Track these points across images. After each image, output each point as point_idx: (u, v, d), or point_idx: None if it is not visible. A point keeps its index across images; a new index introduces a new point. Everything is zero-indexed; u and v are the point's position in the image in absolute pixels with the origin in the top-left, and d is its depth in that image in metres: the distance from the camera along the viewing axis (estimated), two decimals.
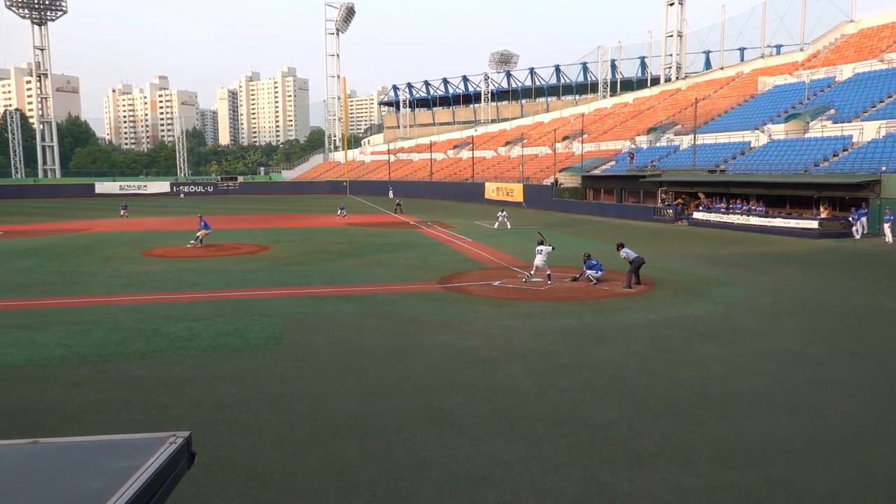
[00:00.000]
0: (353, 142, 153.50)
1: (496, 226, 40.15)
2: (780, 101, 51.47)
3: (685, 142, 54.21)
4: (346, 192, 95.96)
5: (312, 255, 27.96)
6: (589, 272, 20.45)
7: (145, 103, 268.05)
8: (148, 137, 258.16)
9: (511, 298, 18.27)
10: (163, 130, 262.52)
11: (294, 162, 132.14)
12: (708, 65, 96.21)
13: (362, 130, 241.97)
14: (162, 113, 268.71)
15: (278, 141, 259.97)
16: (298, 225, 44.00)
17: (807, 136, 42.98)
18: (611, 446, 8.65)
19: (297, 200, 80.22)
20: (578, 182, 59.90)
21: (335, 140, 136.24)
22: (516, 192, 62.96)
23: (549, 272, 20.39)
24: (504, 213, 40.63)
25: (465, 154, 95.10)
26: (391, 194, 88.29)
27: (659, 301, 17.79)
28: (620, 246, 20.56)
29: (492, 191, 67.29)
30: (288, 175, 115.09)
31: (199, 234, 31.26)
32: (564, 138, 76.27)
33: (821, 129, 42.50)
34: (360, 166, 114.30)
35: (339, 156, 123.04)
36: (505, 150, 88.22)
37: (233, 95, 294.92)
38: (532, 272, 20.81)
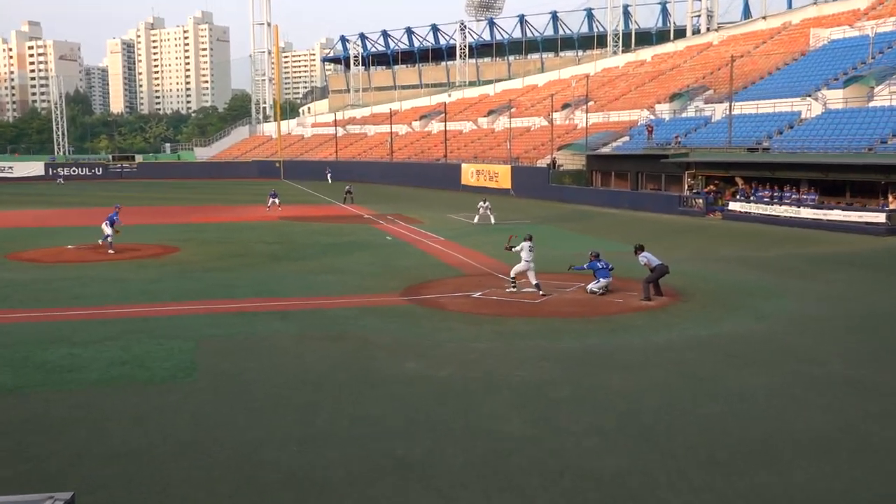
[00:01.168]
0: (289, 110, 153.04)
1: (476, 220, 40.42)
2: (837, 60, 52.46)
3: (718, 111, 55.16)
4: (279, 175, 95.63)
5: (236, 258, 27.92)
6: (591, 284, 20.64)
7: (10, 58, 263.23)
8: (14, 104, 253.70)
9: (494, 314, 18.40)
10: (34, 94, 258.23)
11: (211, 136, 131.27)
12: (746, 13, 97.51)
13: (301, 96, 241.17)
14: (33, 71, 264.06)
15: (189, 109, 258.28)
16: (217, 219, 43.84)
17: (871, 104, 43.84)
18: None
19: (214, 187, 79.82)
20: (582, 163, 60.57)
21: (265, 108, 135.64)
22: (502, 177, 63.47)
23: (536, 281, 20.47)
24: (486, 203, 40.98)
25: (436, 126, 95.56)
26: (330, 178, 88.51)
27: (685, 316, 18.07)
28: (639, 249, 20.80)
29: (470, 175, 67.74)
30: (203, 154, 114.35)
31: (108, 232, 29.72)
32: (564, 107, 77.03)
33: (889, 96, 43.38)
34: (299, 142, 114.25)
35: (270, 128, 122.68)
36: (487, 122, 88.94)
37: (128, 48, 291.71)
38: (512, 276, 21.11)
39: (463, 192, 65.47)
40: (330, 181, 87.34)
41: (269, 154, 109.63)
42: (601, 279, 20.91)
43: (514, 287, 20.97)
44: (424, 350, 15.08)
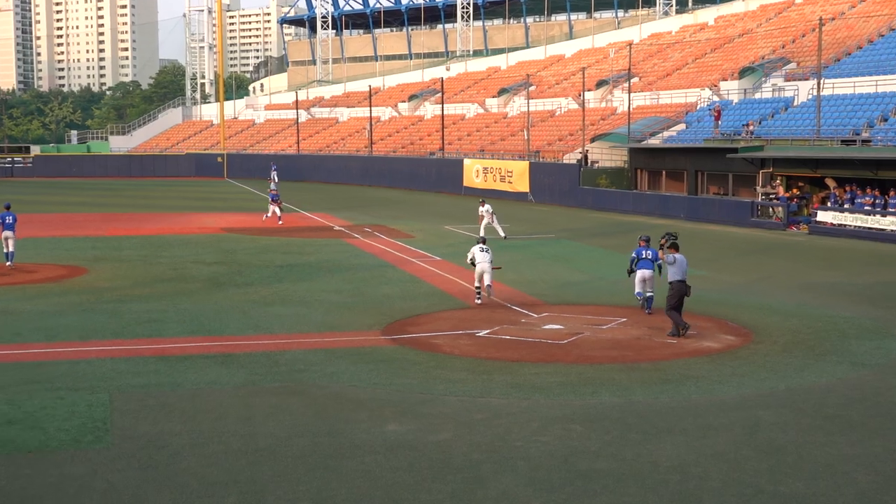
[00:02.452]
0: (236, 87, 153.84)
1: (482, 233, 40.48)
2: None
3: (803, 91, 55.47)
4: (221, 173, 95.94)
5: (163, 284, 28.02)
6: (643, 293, 21.68)
7: None
8: None
9: (508, 359, 18.39)
10: None
11: (131, 122, 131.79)
12: None
13: (252, 68, 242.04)
14: None
15: (103, 85, 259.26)
16: (139, 231, 44.04)
17: None
18: None
19: (136, 188, 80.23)
20: (623, 159, 60.90)
21: (203, 84, 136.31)
22: (517, 177, 63.84)
23: (489, 283, 24.47)
24: (488, 207, 40.97)
25: (431, 110, 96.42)
26: (276, 177, 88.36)
27: (760, 363, 18.06)
28: (673, 245, 20.91)
29: (475, 173, 68.12)
30: (121, 144, 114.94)
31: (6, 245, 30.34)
32: (600, 84, 77.52)
33: None
34: (249, 130, 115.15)
35: (210, 111, 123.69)
36: (498, 104, 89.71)
37: (23, 5, 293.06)
38: (477, 286, 24.73)
39: (466, 197, 65.68)
40: (276, 181, 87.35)
41: (209, 145, 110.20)
42: (639, 271, 21.90)
43: (478, 298, 24.61)
44: (413, 407, 15.03)
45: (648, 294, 22.92)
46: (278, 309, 23.72)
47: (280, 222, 46.29)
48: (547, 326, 21.32)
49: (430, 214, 52.44)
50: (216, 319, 22.34)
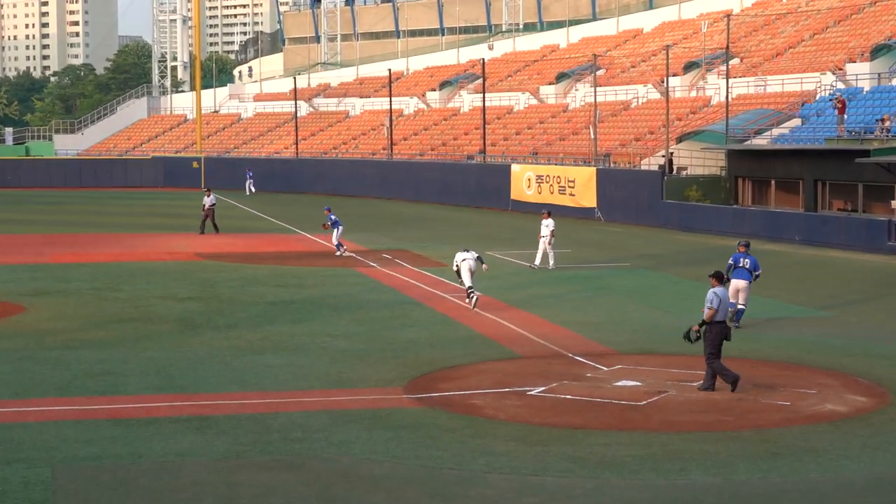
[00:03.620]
0: (218, 72, 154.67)
1: (537, 262, 40.31)
2: None
3: None
4: (199, 182, 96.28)
5: (122, 325, 28.13)
6: (734, 305, 21.55)
7: None
8: None
9: (568, 425, 18.30)
10: None
11: (82, 117, 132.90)
12: None
13: (237, 48, 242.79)
14: None
15: (46, 70, 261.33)
16: (92, 257, 44.21)
17: None
18: None
19: (89, 202, 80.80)
20: (719, 165, 60.68)
21: (175, 69, 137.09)
22: (582, 187, 63.70)
23: (469, 284, 30.71)
24: (551, 224, 40.64)
25: (469, 101, 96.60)
26: (252, 187, 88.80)
27: None
28: (714, 276, 21.36)
29: (526, 183, 68.03)
30: (69, 145, 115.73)
31: None
32: (689, 67, 77.31)
33: None
34: (234, 126, 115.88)
35: (183, 103, 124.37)
36: (556, 94, 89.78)
37: None
38: (467, 286, 30.60)
39: (514, 214, 65.57)
40: (252, 191, 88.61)
41: (182, 146, 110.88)
42: (733, 280, 22.43)
43: (469, 299, 30.54)
44: (444, 488, 14.99)
45: (740, 306, 23.36)
46: (270, 358, 23.72)
47: (340, 253, 44.21)
48: (620, 383, 21.16)
49: (467, 237, 52.37)
50: (190, 372, 22.37)
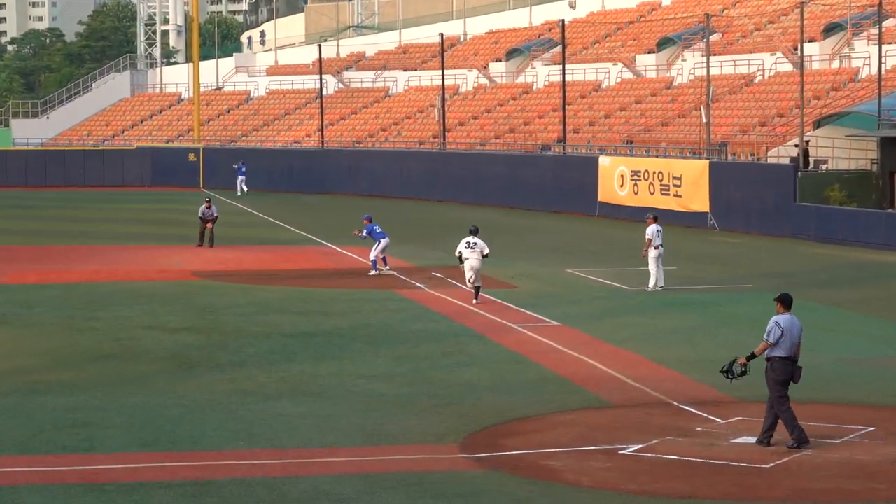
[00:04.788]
0: (222, 39, 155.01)
1: (657, 282, 40.00)
2: None
3: None
4: (196, 181, 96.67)
5: (99, 364, 28.22)
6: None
7: None
8: None
9: (672, 495, 18.24)
10: None
11: (48, 96, 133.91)
12: None
13: (246, 7, 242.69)
14: None
15: (2, 38, 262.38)
16: (59, 276, 44.58)
17: None
18: None
19: (56, 205, 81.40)
20: (869, 157, 60.17)
21: (166, 35, 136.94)
22: (690, 185, 63.40)
23: (477, 284, 36.96)
24: (658, 228, 40.39)
25: (543, 74, 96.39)
26: (244, 185, 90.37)
27: None
28: (780, 301, 21.27)
29: (618, 180, 67.69)
30: (31, 131, 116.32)
31: None
32: (830, 30, 76.56)
33: None
34: (242, 108, 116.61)
35: (177, 78, 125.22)
36: (657, 66, 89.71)
37: None
38: (475, 287, 37.06)
39: (602, 221, 65.38)
40: (244, 190, 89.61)
41: (175, 133, 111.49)
42: None
43: (476, 298, 36.98)
44: None
45: None
46: (287, 406, 23.74)
47: (376, 272, 44.32)
48: (740, 439, 21.01)
49: (542, 249, 52.29)
50: (184, 424, 22.38)
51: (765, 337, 20.58)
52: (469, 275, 36.89)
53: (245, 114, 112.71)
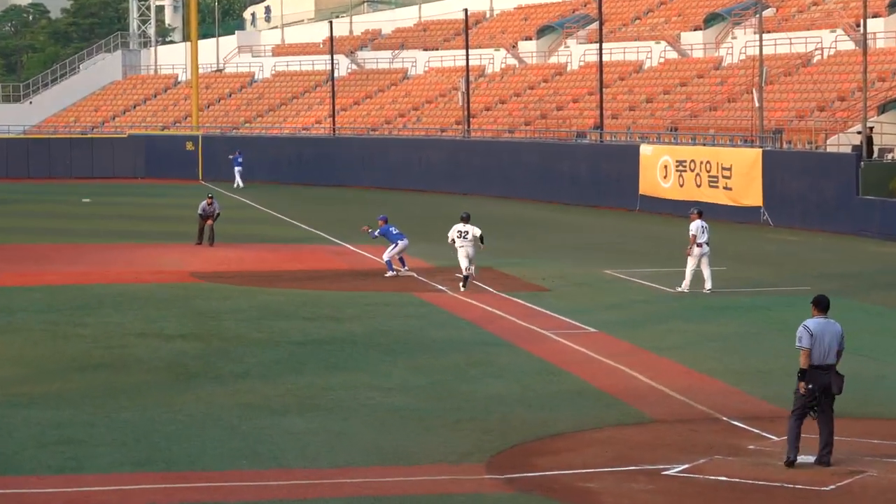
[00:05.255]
0: (223, 15, 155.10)
1: (685, 285, 40.04)
2: None
3: None
4: (195, 173, 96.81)
5: (87, 374, 28.26)
6: None
7: None
8: None
9: None
10: None
11: (30, 78, 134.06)
12: None
13: None
14: None
15: None
16: (41, 278, 44.66)
17: None
18: None
19: (39, 200, 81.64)
20: None
21: (162, 10, 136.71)
22: (741, 177, 63.24)
23: (467, 272, 40.14)
24: (703, 224, 40.36)
25: (578, 54, 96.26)
26: (239, 177, 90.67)
27: None
28: (816, 304, 21.21)
29: (661, 171, 67.59)
30: (12, 118, 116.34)
31: None
32: None
33: None
34: (245, 92, 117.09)
35: (173, 58, 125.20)
36: (705, 43, 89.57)
37: None
38: (464, 274, 40.16)
39: (643, 216, 65.32)
40: (240, 185, 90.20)
41: (171, 119, 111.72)
42: None
43: (463, 284, 40.31)
44: None
45: None
46: (294, 422, 23.72)
47: (393, 273, 44.45)
48: (799, 458, 21.01)
49: (576, 248, 52.27)
50: (181, 441, 22.37)
51: (797, 344, 20.66)
52: (464, 263, 40.39)
53: (248, 98, 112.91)
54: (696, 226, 39.70)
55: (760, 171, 61.62)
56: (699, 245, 39.52)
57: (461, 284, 40.31)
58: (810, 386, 20.25)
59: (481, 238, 40.77)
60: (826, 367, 20.47)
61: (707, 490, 19.52)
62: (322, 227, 60.65)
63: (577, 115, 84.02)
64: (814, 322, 20.69)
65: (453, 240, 40.79)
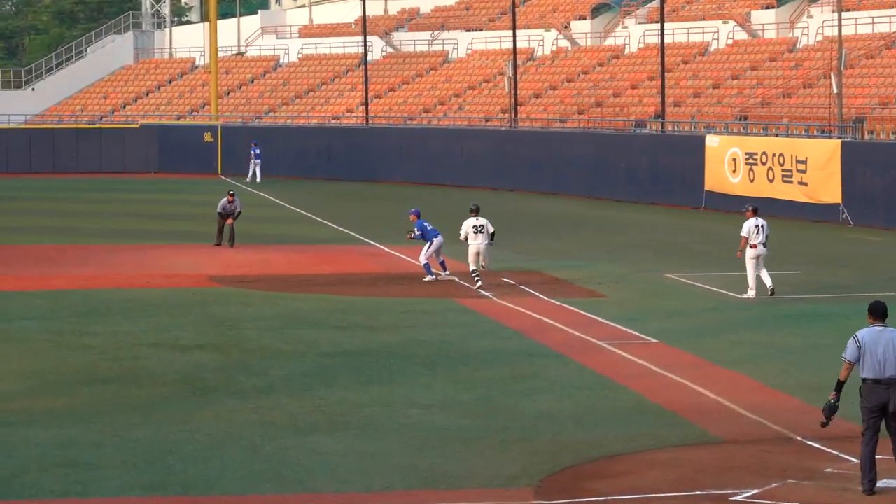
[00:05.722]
0: None
1: (750, 292, 39.98)
2: None
3: None
4: (214, 167, 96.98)
5: (94, 388, 28.27)
6: None
7: None
8: None
9: None
10: None
11: (32, 63, 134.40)
12: None
13: None
14: None
15: None
16: (43, 283, 44.71)
17: None
18: None
19: (41, 196, 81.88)
20: None
21: None
22: (817, 171, 62.95)
23: (476, 267, 41.71)
24: (761, 223, 40.31)
25: (637, 35, 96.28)
26: (257, 170, 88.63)
27: None
28: (875, 312, 20.68)
29: (730, 164, 67.36)
30: (13, 106, 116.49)
31: None
32: None
33: None
34: (269, 77, 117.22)
35: (190, 40, 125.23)
36: (778, 23, 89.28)
37: None
38: (472, 270, 41.81)
39: (707, 214, 65.23)
40: (257, 175, 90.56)
41: (187, 108, 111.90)
42: None
43: (478, 279, 41.89)
44: None
45: None
46: (323, 441, 23.69)
47: (432, 277, 44.53)
48: (880, 483, 20.91)
49: (635, 249, 52.21)
50: (198, 462, 22.37)
51: (843, 356, 20.57)
52: (473, 262, 42.14)
53: (273, 84, 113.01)
54: (748, 225, 39.62)
55: (839, 164, 61.32)
56: (752, 246, 39.45)
57: (476, 282, 41.93)
58: (866, 405, 20.16)
59: (492, 235, 42.27)
60: (885, 381, 20.21)
61: None
62: (354, 227, 60.65)
63: (636, 103, 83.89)
64: (866, 332, 20.44)
65: (466, 236, 42.18)
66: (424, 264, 43.88)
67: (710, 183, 68.12)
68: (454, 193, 76.64)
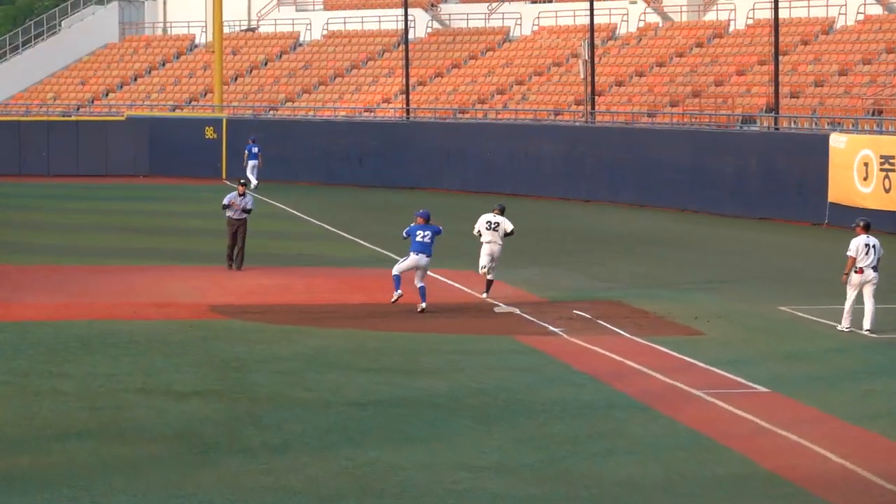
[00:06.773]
0: None
1: (844, 323, 40.19)
2: None
3: None
4: (218, 170, 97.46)
5: (72, 443, 28.22)
6: None
7: None
8: None
9: None
10: None
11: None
12: None
13: None
14: None
15: None
16: (13, 314, 44.70)
17: None
18: None
19: (10, 204, 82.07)
20: None
21: None
22: None
23: (491, 276, 46.01)
24: (868, 237, 40.31)
25: (745, 8, 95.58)
26: (254, 176, 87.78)
27: None
28: None
29: (860, 170, 67.13)
30: None
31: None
32: None
33: None
34: (287, 58, 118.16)
35: (186, 12, 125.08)
36: None
37: None
38: (484, 271, 45.76)
39: (833, 232, 65.25)
40: (254, 184, 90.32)
41: (185, 97, 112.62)
42: None
43: (486, 292, 45.87)
44: None
45: None
46: None
47: (396, 294, 45.09)
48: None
49: (741, 275, 52.34)
50: None
51: None
52: (484, 261, 46.48)
53: (291, 67, 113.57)
54: (856, 244, 39.79)
55: None
56: (857, 271, 39.47)
57: (485, 290, 46.62)
58: None
59: (507, 234, 45.82)
60: None
61: None
62: (390, 246, 60.60)
63: (744, 94, 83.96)
64: None
65: (479, 231, 46.74)
66: (395, 276, 44.72)
67: (835, 194, 68.00)
68: (515, 205, 76.61)
